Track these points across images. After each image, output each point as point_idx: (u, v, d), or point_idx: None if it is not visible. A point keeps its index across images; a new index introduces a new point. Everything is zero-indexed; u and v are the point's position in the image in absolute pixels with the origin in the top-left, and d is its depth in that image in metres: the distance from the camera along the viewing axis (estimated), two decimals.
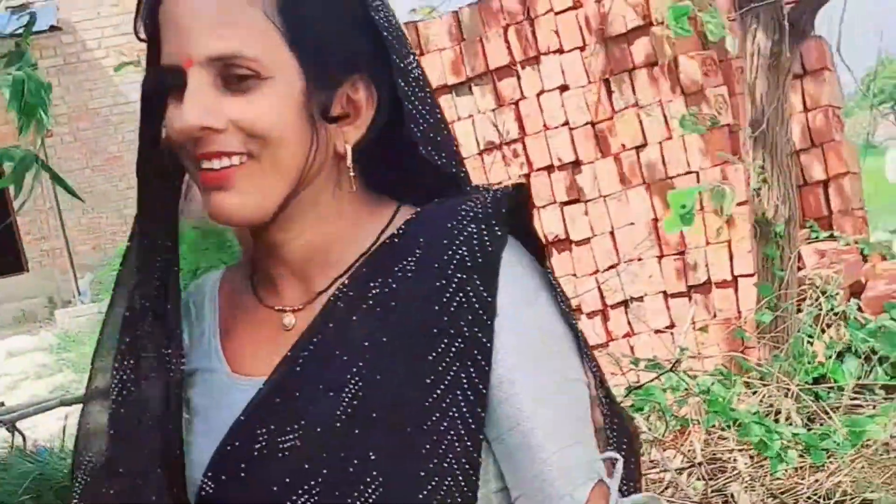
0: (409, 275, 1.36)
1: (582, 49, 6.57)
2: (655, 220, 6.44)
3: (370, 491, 1.30)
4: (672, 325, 6.43)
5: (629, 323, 6.55)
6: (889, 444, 4.98)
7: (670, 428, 5.54)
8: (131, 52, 14.48)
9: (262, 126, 1.34)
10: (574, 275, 6.70)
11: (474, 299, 1.33)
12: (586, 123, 6.62)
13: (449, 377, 1.32)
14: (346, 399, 1.32)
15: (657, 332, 6.46)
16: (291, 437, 1.34)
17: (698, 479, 5.23)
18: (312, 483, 1.32)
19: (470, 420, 1.32)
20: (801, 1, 5.65)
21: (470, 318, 1.32)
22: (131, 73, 15.12)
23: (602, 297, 6.61)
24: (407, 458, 1.31)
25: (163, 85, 1.38)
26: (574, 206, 6.68)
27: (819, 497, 4.78)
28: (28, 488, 6.18)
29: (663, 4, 6.15)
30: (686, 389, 5.42)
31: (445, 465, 1.32)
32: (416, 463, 1.31)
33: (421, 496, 1.31)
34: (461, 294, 1.33)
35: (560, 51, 6.65)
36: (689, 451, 5.44)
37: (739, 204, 6.06)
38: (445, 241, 1.35)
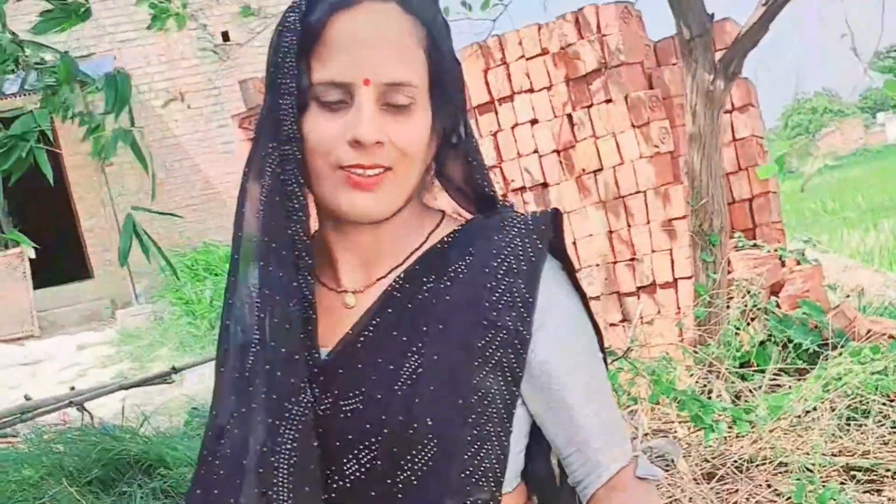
0: (461, 276, 1.39)
1: (549, 88, 6.59)
2: (610, 231, 6.43)
3: (425, 451, 1.33)
4: (624, 320, 6.45)
5: None
6: (801, 417, 4.97)
7: (622, 404, 5.56)
8: (175, 93, 14.54)
9: (410, 146, 1.37)
10: None
11: (518, 299, 1.37)
12: (553, 151, 6.62)
13: (493, 361, 1.35)
14: (407, 372, 1.34)
15: (612, 325, 6.47)
16: (353, 401, 1.36)
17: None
18: (372, 440, 1.33)
19: (507, 397, 1.37)
20: (732, 48, 5.66)
21: (514, 314, 1.37)
22: (176, 111, 15.19)
23: None
24: (456, 425, 1.33)
25: (313, 95, 1.36)
26: None
27: (744, 461, 4.80)
28: (95, 457, 6.22)
29: (618, 48, 6.23)
30: (636, 372, 5.45)
31: (486, 432, 1.35)
32: (464, 429, 1.33)
33: (466, 456, 1.33)
34: (508, 295, 1.37)
35: (531, 90, 6.67)
36: (637, 423, 5.47)
37: (679, 218, 6.12)
38: (494, 251, 1.39)
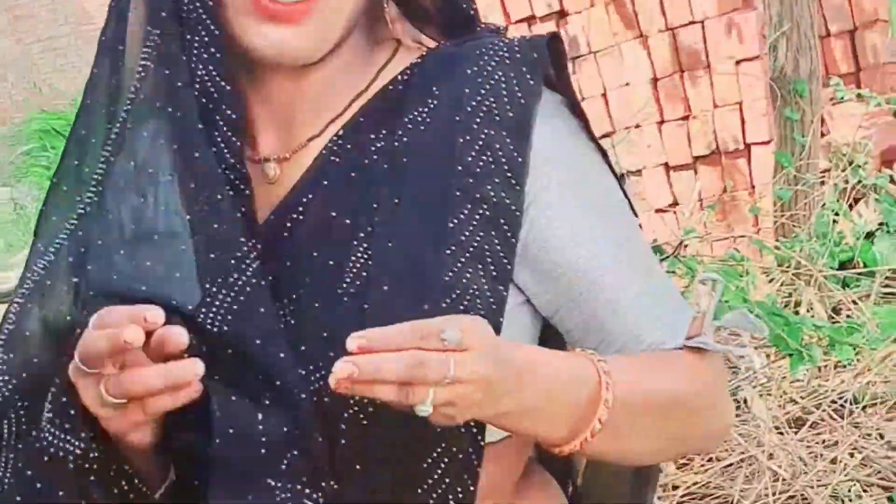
0: (422, 127, 1.35)
1: None
2: (655, 79, 6.41)
3: None
4: (675, 203, 6.43)
5: None
6: None
7: None
8: None
9: None
10: None
11: (503, 159, 1.32)
12: None
13: (471, 248, 1.30)
14: (353, 270, 1.30)
15: (658, 211, 6.52)
16: (283, 313, 1.31)
17: None
18: (311, 367, 1.27)
19: (492, 298, 1.29)
20: None
21: (497, 180, 1.32)
22: None
23: None
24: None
25: None
26: None
27: (845, 402, 4.62)
28: None
29: None
30: (693, 276, 5.19)
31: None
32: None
33: None
34: (489, 152, 1.32)
35: None
36: (704, 295, 5.30)
37: (752, 59, 6.13)
38: (467, 90, 1.34)
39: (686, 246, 5.45)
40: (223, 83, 1.36)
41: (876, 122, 5.81)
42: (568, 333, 1.40)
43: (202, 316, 1.27)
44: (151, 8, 1.36)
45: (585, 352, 1.30)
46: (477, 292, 1.29)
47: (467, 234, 1.30)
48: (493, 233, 1.31)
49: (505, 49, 1.38)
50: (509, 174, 1.33)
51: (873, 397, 4.59)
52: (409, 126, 1.37)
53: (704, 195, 6.19)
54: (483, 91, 1.35)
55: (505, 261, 1.32)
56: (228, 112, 1.35)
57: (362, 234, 1.32)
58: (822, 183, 5.64)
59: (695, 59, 6.24)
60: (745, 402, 4.82)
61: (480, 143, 1.33)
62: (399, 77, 1.42)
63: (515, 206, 1.33)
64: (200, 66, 1.35)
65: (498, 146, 1.33)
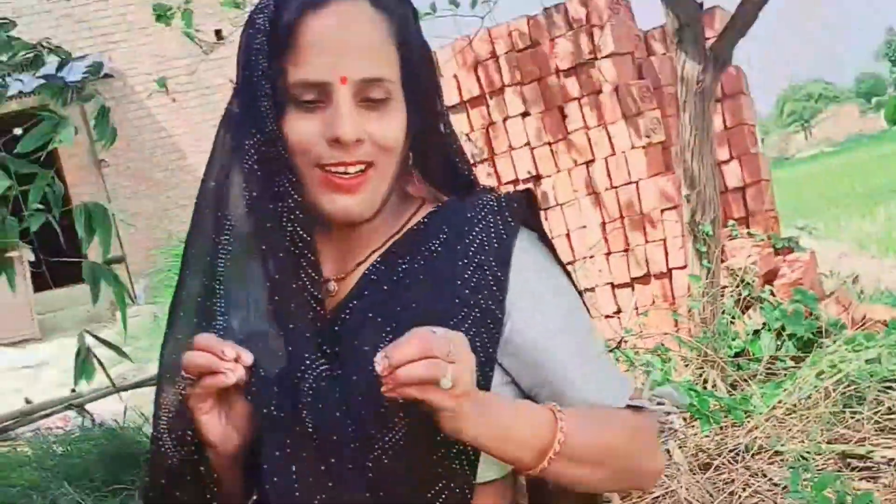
0: (434, 255, 1.40)
1: (539, 81, 6.58)
2: (603, 223, 6.44)
3: (397, 429, 1.30)
4: (618, 311, 6.44)
5: None
6: (796, 405, 4.94)
7: None
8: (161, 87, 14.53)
9: (389, 140, 1.39)
10: None
11: (490, 278, 1.37)
12: (544, 143, 6.62)
13: (470, 331, 1.33)
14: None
15: (607, 316, 6.46)
16: (336, 384, 1.34)
17: None
18: (349, 422, 1.31)
19: (480, 378, 1.29)
20: (721, 37, 5.63)
21: (485, 293, 1.37)
22: (170, 111, 15.19)
23: None
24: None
25: (289, 96, 1.36)
26: None
27: (739, 451, 4.76)
28: (97, 458, 6.22)
29: (606, 40, 6.20)
30: (631, 363, 5.41)
31: None
32: None
33: (438, 437, 1.30)
34: (479, 273, 1.38)
35: (521, 83, 6.66)
36: (646, 381, 5.45)
37: (672, 208, 6.13)
38: (466, 228, 1.41)
39: (626, 341, 5.57)
40: (306, 236, 1.38)
41: (760, 252, 5.87)
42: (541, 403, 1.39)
43: (280, 391, 1.33)
44: (248, 180, 1.38)
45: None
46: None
47: (463, 329, 1.31)
48: (481, 330, 1.34)
49: (493, 201, 1.42)
50: (495, 288, 1.36)
51: (759, 448, 4.72)
52: (427, 253, 1.40)
53: (639, 305, 6.24)
54: (476, 230, 1.39)
55: (490, 350, 1.35)
56: (310, 256, 1.39)
57: (388, 329, 1.34)
58: (723, 296, 5.64)
59: (632, 209, 6.31)
60: (669, 451, 4.90)
61: (474, 265, 1.37)
62: (422, 220, 1.45)
63: (499, 311, 1.36)
64: (289, 224, 1.37)
65: (486, 268, 1.37)
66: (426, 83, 1.44)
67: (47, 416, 9.27)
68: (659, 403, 1.49)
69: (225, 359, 1.29)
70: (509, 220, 1.41)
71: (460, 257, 1.39)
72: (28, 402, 9.70)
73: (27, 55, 4.58)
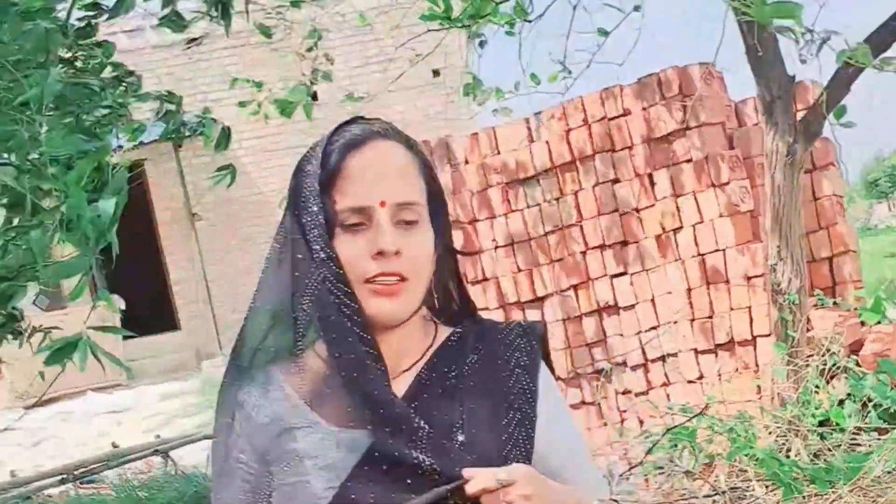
0: (477, 366, 1.67)
1: (630, 148, 6.67)
2: (689, 289, 6.47)
3: None
4: (702, 377, 6.44)
5: (666, 375, 6.57)
6: (880, 477, 4.91)
7: (699, 462, 5.56)
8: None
9: (421, 256, 1.62)
10: (621, 334, 6.75)
11: (525, 388, 1.67)
12: (633, 210, 6.69)
13: (514, 436, 1.64)
14: (456, 438, 1.60)
15: (689, 382, 6.48)
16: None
17: None
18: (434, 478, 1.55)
19: (527, 456, 1.63)
20: (813, 109, 5.71)
21: (522, 399, 1.66)
22: (265, 169, 15.50)
23: (644, 353, 6.66)
24: None
25: (337, 221, 1.60)
26: (622, 278, 6.75)
27: None
28: (180, 502, 6.35)
29: (698, 110, 6.29)
30: (714, 430, 5.44)
31: None
32: None
33: None
34: (518, 384, 1.67)
35: (612, 150, 6.75)
36: (714, 481, 5.45)
37: (758, 276, 6.15)
38: (502, 347, 1.70)
39: (708, 408, 5.61)
40: (369, 337, 1.60)
41: (846, 323, 5.81)
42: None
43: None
44: (310, 295, 1.61)
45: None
46: (519, 457, 1.61)
47: (511, 427, 1.63)
48: (522, 429, 1.64)
49: (518, 328, 1.72)
50: (529, 396, 1.66)
51: None
52: (468, 366, 1.67)
53: (722, 371, 6.26)
54: (511, 348, 1.69)
55: (529, 445, 1.63)
56: (375, 353, 1.60)
57: (455, 427, 1.61)
58: (807, 365, 5.62)
59: (718, 276, 6.34)
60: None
61: (513, 378, 1.66)
62: (451, 338, 1.70)
63: (533, 413, 1.65)
64: (354, 326, 1.58)
65: (522, 381, 1.66)
66: (444, 213, 1.70)
67: (133, 460, 9.46)
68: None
69: None
70: (534, 344, 1.71)
71: (501, 370, 1.67)
72: (115, 446, 9.91)
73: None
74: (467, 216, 7.26)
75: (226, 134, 5.07)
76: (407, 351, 1.67)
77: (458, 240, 7.13)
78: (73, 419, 13.17)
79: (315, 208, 1.61)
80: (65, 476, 9.00)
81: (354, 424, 1.58)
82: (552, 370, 1.75)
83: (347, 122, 1.68)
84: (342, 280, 1.59)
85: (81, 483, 9.37)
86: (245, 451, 1.65)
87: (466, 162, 7.26)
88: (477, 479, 1.51)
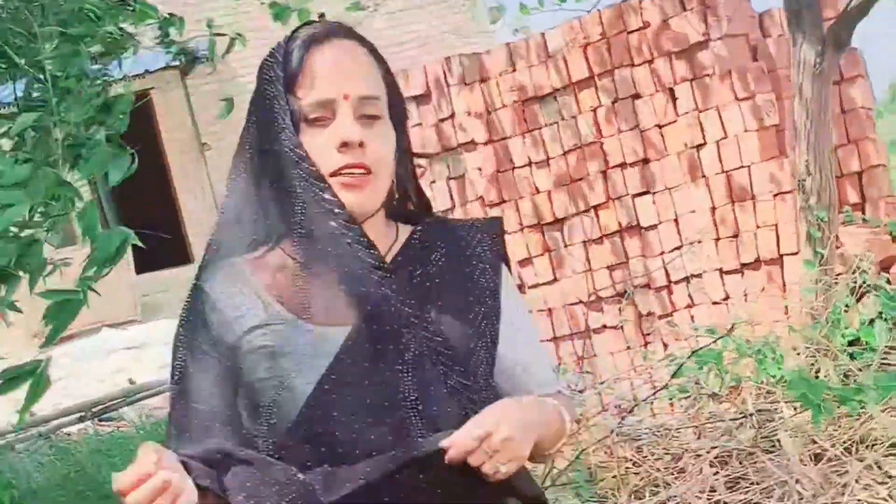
0: (442, 263, 1.77)
1: (650, 62, 6.57)
2: (713, 208, 6.41)
3: (452, 382, 1.68)
4: (727, 298, 6.39)
5: (690, 296, 6.53)
6: None
7: (726, 384, 5.53)
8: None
9: (383, 150, 1.72)
10: (644, 256, 6.70)
11: (490, 282, 1.78)
12: (654, 126, 6.60)
13: (482, 329, 1.75)
14: (413, 350, 1.67)
15: (715, 303, 6.43)
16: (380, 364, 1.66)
17: (750, 427, 5.22)
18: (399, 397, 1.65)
19: (493, 349, 1.75)
20: (840, 18, 5.59)
21: (487, 292, 1.77)
22: None
23: (668, 275, 6.60)
24: (471, 370, 1.71)
25: (301, 116, 1.68)
26: (644, 197, 6.68)
27: (853, 442, 4.77)
28: None
29: (720, 22, 6.18)
30: (741, 352, 5.41)
31: (480, 373, 1.73)
32: (474, 374, 1.71)
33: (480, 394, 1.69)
34: (483, 278, 1.78)
35: (631, 65, 6.65)
36: (741, 403, 5.43)
37: (785, 193, 6.10)
38: (463, 244, 1.80)
39: (735, 329, 5.53)
40: (354, 224, 1.67)
41: (876, 239, 5.80)
42: (501, 385, 1.76)
43: None
44: (286, 190, 1.69)
45: (552, 399, 1.76)
46: (485, 346, 1.73)
47: (478, 320, 1.74)
48: (490, 321, 1.75)
49: (480, 224, 1.84)
50: (493, 292, 1.77)
51: (873, 440, 4.71)
52: (434, 262, 1.76)
53: (748, 292, 6.21)
54: (473, 243, 1.79)
55: (495, 339, 1.75)
56: (364, 239, 1.68)
57: (425, 322, 1.69)
58: (836, 283, 5.58)
59: (743, 193, 6.29)
60: (780, 441, 4.95)
61: (477, 273, 1.77)
62: (411, 237, 1.78)
63: (497, 304, 1.77)
64: (338, 217, 1.66)
65: (486, 275, 1.77)
66: (403, 118, 1.80)
67: (151, 395, 9.51)
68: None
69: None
70: (497, 239, 1.82)
71: (465, 267, 1.77)
72: (132, 382, 9.97)
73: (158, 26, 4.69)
74: (495, 135, 7.15)
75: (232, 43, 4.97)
76: (378, 241, 1.72)
77: (482, 160, 7.10)
78: (89, 356, 13.23)
79: (280, 109, 1.68)
80: (83, 414, 9.08)
81: (334, 321, 1.65)
82: (509, 266, 1.85)
83: (304, 25, 1.78)
84: (316, 176, 1.66)
85: (100, 420, 9.44)
86: (210, 343, 1.69)
87: (482, 80, 7.15)
88: (456, 444, 1.54)
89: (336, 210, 1.65)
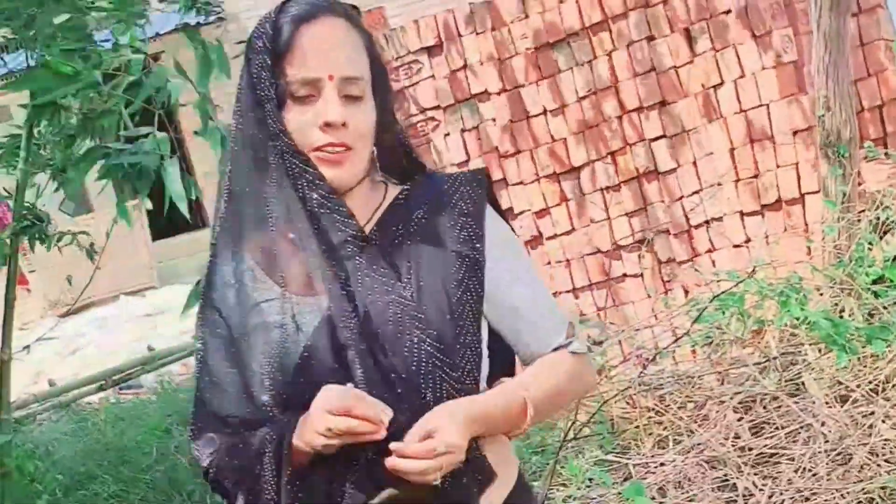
0: (424, 220, 1.84)
1: (664, 2, 6.53)
2: (732, 149, 6.38)
3: (424, 345, 1.74)
4: (748, 240, 6.38)
5: (711, 240, 6.51)
6: None
7: (748, 328, 5.53)
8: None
9: (364, 129, 1.80)
10: (662, 201, 6.68)
11: (472, 234, 1.84)
12: (670, 68, 6.56)
13: (464, 282, 1.81)
14: (407, 297, 1.77)
15: (735, 246, 6.41)
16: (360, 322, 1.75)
17: (774, 371, 5.22)
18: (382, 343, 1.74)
19: (477, 302, 1.82)
20: None
21: (470, 245, 1.83)
22: None
23: (687, 219, 6.58)
24: (449, 327, 1.78)
25: (287, 92, 1.76)
26: (661, 141, 6.65)
27: (880, 382, 4.75)
28: None
29: None
30: (763, 294, 5.39)
31: (467, 328, 1.80)
32: (454, 330, 1.78)
33: (457, 350, 1.78)
34: (465, 231, 1.84)
35: (646, 5, 6.61)
36: (765, 347, 5.43)
37: (805, 130, 6.06)
38: (445, 198, 1.86)
39: (756, 271, 5.49)
40: (334, 196, 1.77)
41: None
42: (504, 337, 1.89)
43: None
44: (268, 166, 1.78)
45: (513, 382, 1.86)
46: (470, 300, 1.80)
47: (461, 274, 1.80)
48: (474, 271, 1.82)
49: (464, 176, 1.90)
50: (476, 241, 1.83)
51: None
52: (417, 220, 1.84)
53: (770, 233, 6.20)
54: (456, 197, 1.86)
55: (479, 288, 1.82)
56: (343, 209, 1.78)
57: (403, 281, 1.78)
58: (859, 220, 5.55)
59: (762, 133, 6.26)
60: (804, 384, 4.95)
61: (460, 226, 1.83)
62: (398, 197, 1.88)
63: (481, 257, 1.83)
64: (317, 190, 1.76)
65: (468, 227, 1.84)
66: (387, 89, 1.88)
67: (170, 363, 9.59)
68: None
69: (380, 425, 1.63)
70: (479, 190, 1.88)
71: (447, 220, 1.83)
72: (151, 349, 10.05)
73: None
74: (508, 83, 7.12)
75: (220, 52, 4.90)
76: (359, 212, 1.81)
77: (496, 110, 7.08)
78: (108, 325, 13.35)
79: (266, 83, 1.76)
80: (103, 383, 9.15)
81: (316, 292, 1.74)
82: (503, 216, 1.93)
83: None
84: (297, 150, 1.75)
85: (120, 389, 9.53)
86: (220, 322, 1.80)
87: (494, 28, 7.11)
88: (409, 461, 1.62)
89: (317, 182, 1.75)
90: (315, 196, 1.74)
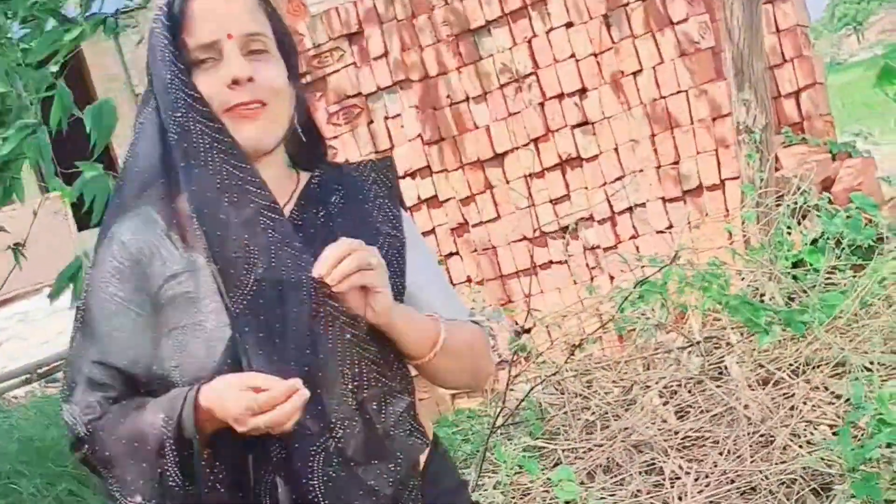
0: (342, 204, 1.86)
1: None
2: (653, 135, 6.39)
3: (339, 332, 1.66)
4: (671, 226, 6.40)
5: (634, 227, 6.52)
6: (857, 315, 4.95)
7: (672, 314, 5.56)
8: None
9: (275, 81, 1.78)
10: (586, 188, 6.67)
11: (390, 215, 1.88)
12: (590, 55, 6.55)
13: (388, 258, 1.77)
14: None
15: (658, 232, 6.43)
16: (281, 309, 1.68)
17: (697, 355, 5.26)
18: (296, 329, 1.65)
19: (400, 277, 1.83)
20: None
21: (389, 225, 1.87)
22: None
23: (611, 206, 6.58)
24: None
25: (191, 61, 1.74)
26: (583, 128, 6.65)
27: (799, 364, 4.80)
28: None
29: None
30: (685, 280, 5.42)
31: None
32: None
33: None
34: (383, 212, 1.88)
35: None
36: (688, 332, 5.47)
37: (722, 116, 6.08)
38: (360, 184, 1.90)
39: (679, 257, 5.56)
40: (246, 165, 1.73)
41: (816, 158, 5.74)
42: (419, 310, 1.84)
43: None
44: (183, 137, 1.72)
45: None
46: (395, 275, 1.79)
47: (384, 251, 1.76)
48: (394, 251, 1.83)
49: (370, 164, 1.93)
50: (395, 221, 1.87)
51: (821, 360, 4.75)
52: (334, 204, 1.85)
53: (691, 219, 6.20)
54: (368, 182, 1.90)
55: (403, 266, 1.83)
56: (258, 180, 1.73)
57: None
58: (778, 205, 5.58)
59: (681, 119, 6.24)
60: (727, 367, 5.00)
61: (377, 208, 1.87)
62: (311, 182, 1.88)
63: (400, 234, 1.86)
64: (231, 158, 1.72)
65: (385, 209, 1.88)
66: (292, 50, 1.87)
67: None
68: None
69: (286, 403, 1.56)
70: (390, 175, 1.93)
71: (364, 204, 1.87)
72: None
73: None
74: (430, 71, 7.08)
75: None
76: (276, 192, 1.76)
77: (419, 98, 7.03)
78: (33, 318, 13.12)
79: (169, 54, 1.73)
80: (28, 376, 8.99)
81: (234, 265, 1.68)
82: (403, 205, 1.95)
83: None
84: (210, 116, 1.72)
85: (46, 382, 9.37)
86: (125, 290, 1.73)
87: (415, 15, 7.06)
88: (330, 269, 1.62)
89: (232, 150, 1.71)
90: (227, 165, 1.70)
